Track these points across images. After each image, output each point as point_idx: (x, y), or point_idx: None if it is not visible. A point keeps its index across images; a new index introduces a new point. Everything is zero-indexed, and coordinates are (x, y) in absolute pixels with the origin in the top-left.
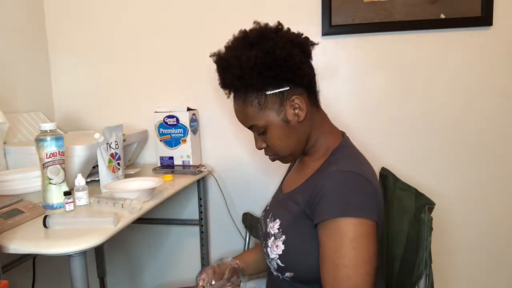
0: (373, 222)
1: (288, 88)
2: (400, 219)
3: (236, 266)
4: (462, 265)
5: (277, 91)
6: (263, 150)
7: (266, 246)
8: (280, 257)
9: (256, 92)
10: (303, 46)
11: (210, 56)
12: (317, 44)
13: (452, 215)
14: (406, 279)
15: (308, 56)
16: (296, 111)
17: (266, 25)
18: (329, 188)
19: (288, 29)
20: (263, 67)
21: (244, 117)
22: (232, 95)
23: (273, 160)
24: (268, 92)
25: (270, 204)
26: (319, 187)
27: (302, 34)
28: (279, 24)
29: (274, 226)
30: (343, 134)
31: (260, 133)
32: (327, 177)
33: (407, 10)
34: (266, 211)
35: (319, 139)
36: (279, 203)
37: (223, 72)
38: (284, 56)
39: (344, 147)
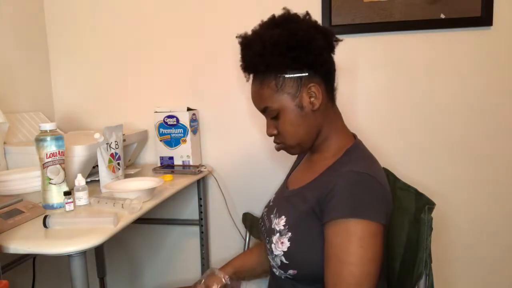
0: (381, 225)
1: (307, 74)
2: (400, 219)
3: (226, 282)
4: (462, 265)
5: (296, 75)
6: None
7: (270, 242)
8: (285, 254)
9: (274, 73)
10: (327, 36)
11: (236, 37)
12: (342, 40)
13: (452, 215)
14: (406, 279)
15: (331, 47)
16: (312, 99)
17: (296, 13)
18: (341, 187)
19: (315, 21)
20: (284, 46)
21: (259, 98)
22: (251, 79)
23: (278, 149)
24: (287, 75)
25: (274, 199)
26: (331, 186)
27: (328, 28)
28: (307, 14)
29: (279, 223)
30: (354, 135)
31: (273, 117)
32: (339, 177)
33: (407, 10)
34: (270, 207)
35: (330, 136)
36: (285, 200)
37: (244, 50)
38: (306, 39)
39: (357, 148)
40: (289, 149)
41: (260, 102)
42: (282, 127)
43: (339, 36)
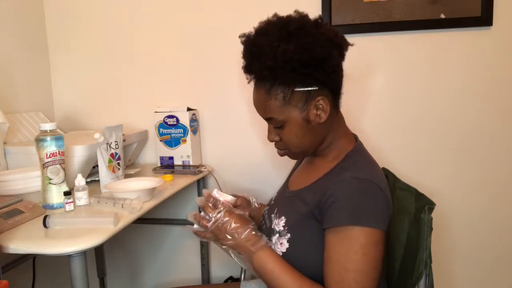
0: (382, 231)
1: (317, 88)
2: (400, 219)
3: (254, 206)
4: (462, 265)
5: (305, 89)
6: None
7: (270, 242)
8: (284, 254)
9: (283, 86)
10: (341, 47)
11: (239, 36)
12: (352, 45)
13: (452, 215)
14: (406, 279)
15: (343, 58)
16: (319, 112)
17: (307, 15)
18: (343, 194)
19: (327, 23)
20: (298, 63)
21: (264, 108)
22: (253, 81)
23: (282, 155)
24: (296, 89)
25: (275, 199)
26: (331, 191)
27: (338, 32)
28: (320, 17)
29: (279, 223)
30: (355, 137)
31: (277, 126)
32: (341, 183)
33: (407, 10)
34: (271, 206)
35: (334, 141)
36: (286, 200)
37: (252, 58)
38: (323, 57)
39: (358, 152)
40: (292, 156)
41: (265, 112)
42: (286, 137)
43: None
